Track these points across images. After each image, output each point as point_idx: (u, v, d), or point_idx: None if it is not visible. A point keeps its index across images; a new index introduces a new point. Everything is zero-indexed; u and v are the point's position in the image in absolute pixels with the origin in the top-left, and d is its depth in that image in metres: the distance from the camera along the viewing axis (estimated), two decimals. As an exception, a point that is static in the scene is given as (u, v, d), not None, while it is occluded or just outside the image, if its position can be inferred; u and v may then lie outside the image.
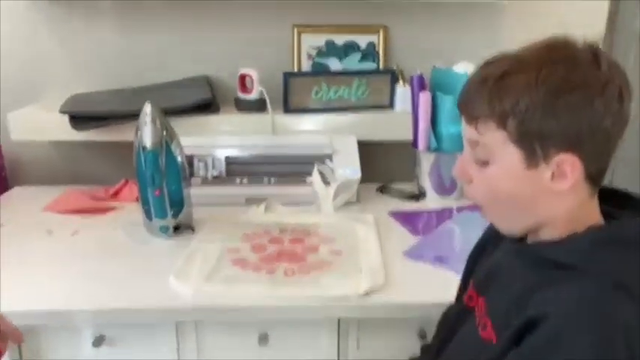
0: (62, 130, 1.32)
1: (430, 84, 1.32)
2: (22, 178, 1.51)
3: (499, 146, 0.62)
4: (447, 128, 1.29)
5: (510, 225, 0.68)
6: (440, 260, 1.02)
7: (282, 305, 0.91)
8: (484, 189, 0.66)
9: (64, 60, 1.45)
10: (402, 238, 1.15)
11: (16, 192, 1.42)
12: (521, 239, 0.69)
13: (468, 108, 0.64)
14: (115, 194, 1.36)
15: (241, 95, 1.41)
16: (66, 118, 1.31)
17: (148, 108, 1.10)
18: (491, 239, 0.76)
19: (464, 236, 1.14)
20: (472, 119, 0.63)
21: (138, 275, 0.98)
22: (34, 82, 1.46)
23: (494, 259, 0.72)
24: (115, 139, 1.32)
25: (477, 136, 0.63)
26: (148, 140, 1.08)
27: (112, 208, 1.29)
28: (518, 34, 1.44)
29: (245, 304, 0.90)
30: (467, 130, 0.65)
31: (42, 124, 1.35)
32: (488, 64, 0.64)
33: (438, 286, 0.93)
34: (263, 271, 0.97)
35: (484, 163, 0.64)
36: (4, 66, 1.43)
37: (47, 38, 1.43)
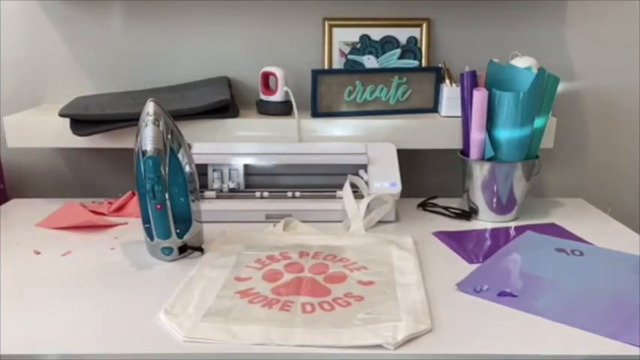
0: (65, 137, 1.17)
1: (486, 81, 1.11)
2: (25, 189, 1.38)
3: None
4: (505, 132, 1.08)
5: None
6: (505, 296, 0.81)
7: (297, 353, 0.70)
8: None
9: (71, 61, 1.32)
10: (452, 265, 0.94)
11: (12, 205, 1.27)
12: None
13: None
14: (120, 208, 1.19)
15: (264, 97, 1.25)
16: (67, 122, 1.16)
17: (150, 107, 0.93)
18: None
19: (530, 265, 0.93)
20: None
21: (124, 310, 0.79)
22: (39, 86, 1.33)
23: None
24: (124, 145, 1.16)
25: None
26: (148, 144, 0.91)
27: (114, 225, 1.12)
28: (583, 30, 1.28)
29: (248, 350, 0.70)
30: None
31: (41, 130, 1.20)
32: None
33: (504, 332, 0.73)
34: (276, 306, 0.78)
35: None
36: (6, 69, 1.31)
37: (52, 39, 1.30)
